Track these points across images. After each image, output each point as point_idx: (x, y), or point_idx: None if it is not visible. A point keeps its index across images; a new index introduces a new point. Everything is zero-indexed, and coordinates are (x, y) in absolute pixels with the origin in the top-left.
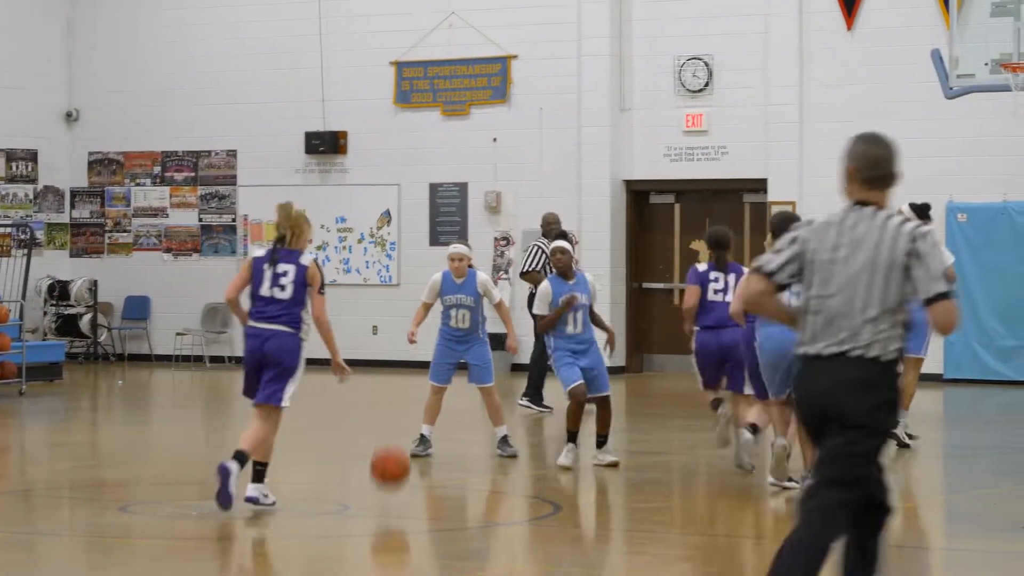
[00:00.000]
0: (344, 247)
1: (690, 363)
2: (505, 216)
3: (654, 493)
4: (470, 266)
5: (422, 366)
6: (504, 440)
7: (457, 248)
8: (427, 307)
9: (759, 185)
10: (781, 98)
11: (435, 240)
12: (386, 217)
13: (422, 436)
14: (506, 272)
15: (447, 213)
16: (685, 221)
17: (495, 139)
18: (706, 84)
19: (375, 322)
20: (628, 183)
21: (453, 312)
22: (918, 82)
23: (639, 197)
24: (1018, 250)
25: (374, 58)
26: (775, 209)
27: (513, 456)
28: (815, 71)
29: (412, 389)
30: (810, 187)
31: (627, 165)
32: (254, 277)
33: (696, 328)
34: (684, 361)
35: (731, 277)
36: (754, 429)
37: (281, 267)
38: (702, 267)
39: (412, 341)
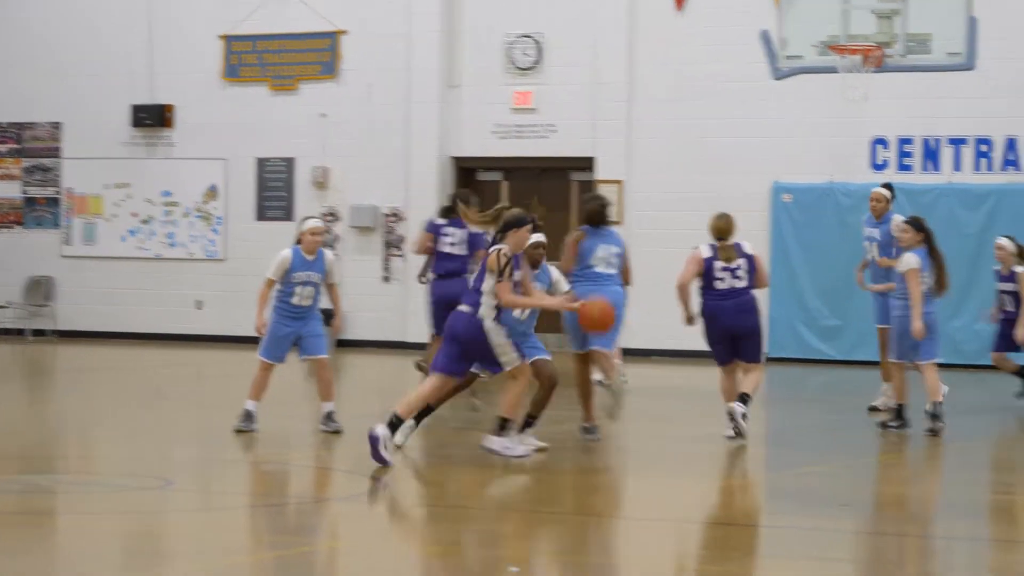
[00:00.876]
0: (169, 221)
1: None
2: (333, 192)
3: (472, 469)
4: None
5: (246, 340)
6: (329, 416)
7: (319, 223)
8: (271, 284)
9: (587, 163)
10: (610, 77)
11: (262, 215)
12: (212, 191)
13: (247, 411)
14: (332, 247)
15: (274, 188)
16: (513, 198)
17: (323, 114)
18: (536, 62)
19: (200, 296)
20: (456, 160)
21: (299, 290)
22: (747, 63)
23: (467, 174)
24: (842, 231)
25: (203, 31)
26: (602, 188)
27: (337, 432)
28: (644, 51)
29: (236, 364)
30: (637, 165)
31: (455, 142)
32: None
33: (432, 276)
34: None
35: (464, 231)
36: None
37: None
38: (440, 221)
39: (261, 333)
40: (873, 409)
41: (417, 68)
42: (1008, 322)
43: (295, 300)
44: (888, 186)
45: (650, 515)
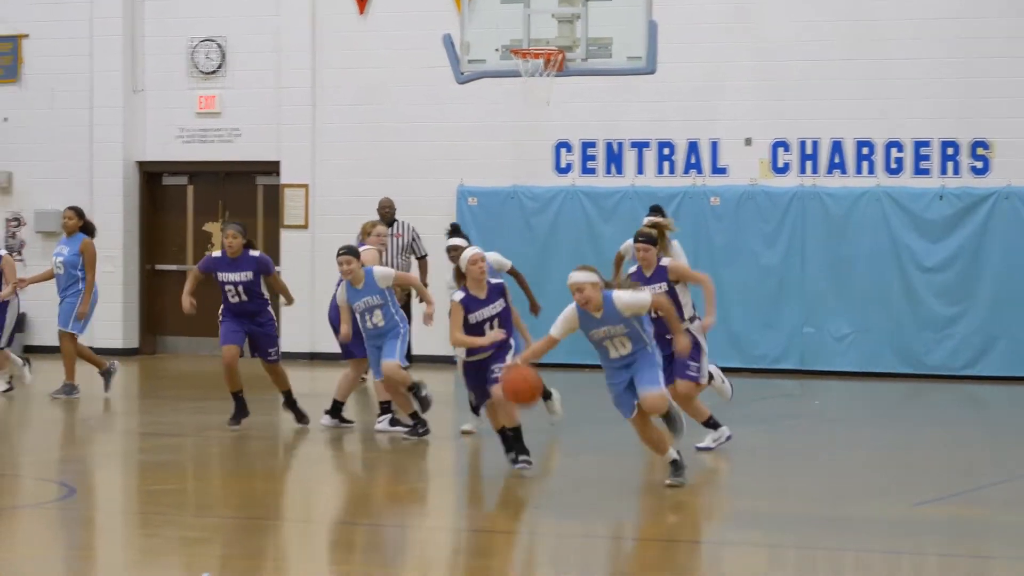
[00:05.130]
0: None
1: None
2: (18, 196)
3: (168, 475)
4: None
5: None
6: None
7: None
8: None
9: (272, 167)
10: (294, 81)
11: None
12: None
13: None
14: (19, 253)
15: None
16: (199, 203)
17: (6, 119)
18: (219, 66)
19: None
20: (141, 164)
21: None
22: (430, 67)
23: (152, 179)
24: (527, 234)
25: None
26: (288, 192)
27: None
28: (328, 55)
29: None
30: (322, 169)
31: (140, 146)
32: None
33: None
34: (196, 343)
35: None
36: None
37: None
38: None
39: None
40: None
41: (100, 72)
42: None
43: None
44: (658, 209)
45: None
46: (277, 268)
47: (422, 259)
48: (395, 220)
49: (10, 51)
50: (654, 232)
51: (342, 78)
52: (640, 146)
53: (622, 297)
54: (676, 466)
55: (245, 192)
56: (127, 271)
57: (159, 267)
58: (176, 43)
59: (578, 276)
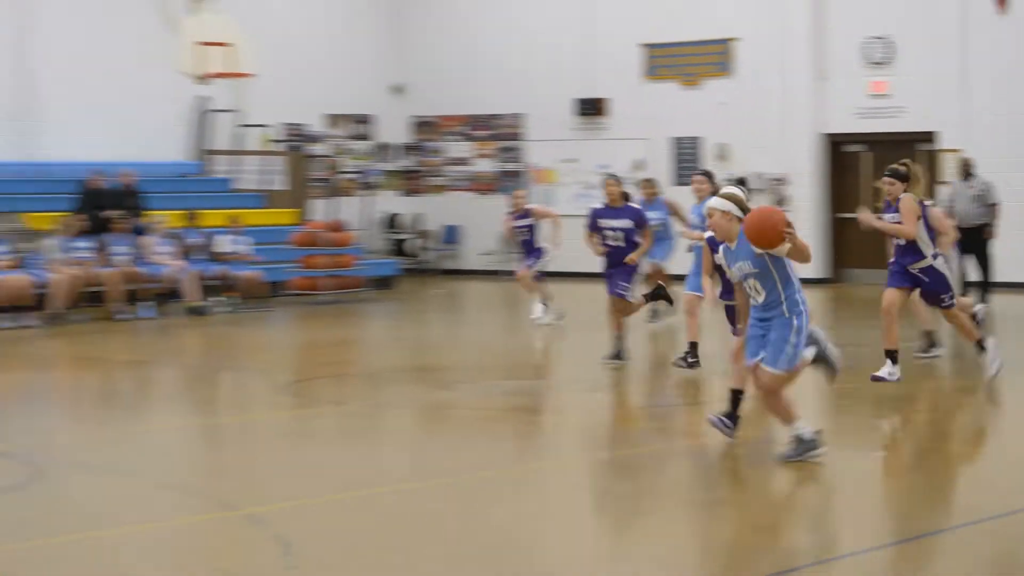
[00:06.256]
0: None
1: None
2: (733, 162)
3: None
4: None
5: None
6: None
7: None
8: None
9: (929, 136)
10: (948, 69)
11: (678, 181)
12: (639, 164)
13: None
14: (782, 204)
15: (686, 160)
16: (872, 166)
17: (723, 103)
18: (888, 57)
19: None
20: (827, 136)
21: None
22: None
23: (835, 147)
24: None
25: (628, 42)
26: (944, 156)
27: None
28: (976, 44)
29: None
30: (976, 136)
31: (824, 121)
32: None
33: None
34: (876, 275)
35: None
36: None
37: None
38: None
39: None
40: None
41: (793, 64)
42: None
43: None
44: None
45: None
46: None
47: (992, 206)
48: (971, 175)
49: (723, 51)
50: (902, 169)
51: (988, 62)
52: None
53: None
54: (799, 442)
55: (907, 156)
56: (817, 219)
57: (840, 215)
58: (852, 40)
59: (710, 201)
